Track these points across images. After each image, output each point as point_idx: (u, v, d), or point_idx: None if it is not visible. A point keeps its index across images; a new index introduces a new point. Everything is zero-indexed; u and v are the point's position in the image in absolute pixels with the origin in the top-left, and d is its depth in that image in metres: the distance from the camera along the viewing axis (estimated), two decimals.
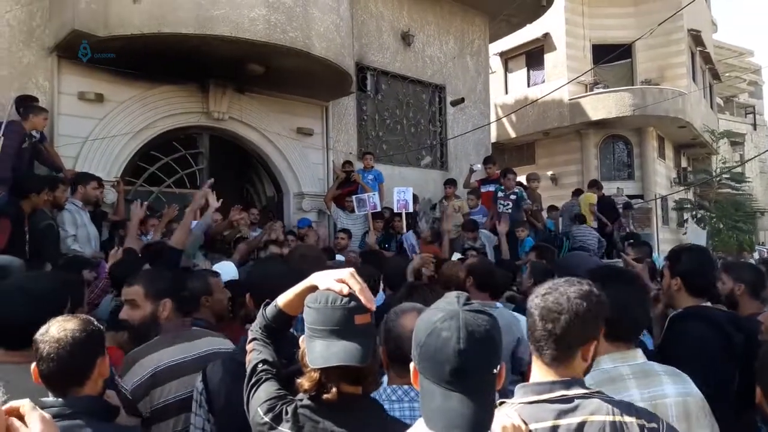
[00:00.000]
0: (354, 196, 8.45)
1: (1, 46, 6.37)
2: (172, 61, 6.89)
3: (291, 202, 8.95)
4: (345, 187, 8.85)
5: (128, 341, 2.93)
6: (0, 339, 2.04)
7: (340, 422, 1.52)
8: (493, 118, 13.42)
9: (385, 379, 2.00)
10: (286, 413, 1.55)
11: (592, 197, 10.56)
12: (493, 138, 14.16)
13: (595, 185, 11.16)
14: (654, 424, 1.49)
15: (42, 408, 1.61)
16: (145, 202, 5.58)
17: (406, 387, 1.89)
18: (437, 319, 1.30)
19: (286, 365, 1.74)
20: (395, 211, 8.17)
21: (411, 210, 8.24)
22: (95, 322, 1.83)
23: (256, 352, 1.70)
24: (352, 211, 8.57)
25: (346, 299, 1.51)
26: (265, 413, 1.56)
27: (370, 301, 1.55)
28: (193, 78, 7.56)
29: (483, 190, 9.53)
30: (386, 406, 1.80)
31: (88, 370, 1.76)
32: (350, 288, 1.54)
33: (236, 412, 1.96)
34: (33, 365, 1.70)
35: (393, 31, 10.25)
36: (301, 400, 1.57)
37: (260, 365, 1.67)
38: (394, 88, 10.37)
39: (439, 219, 9.37)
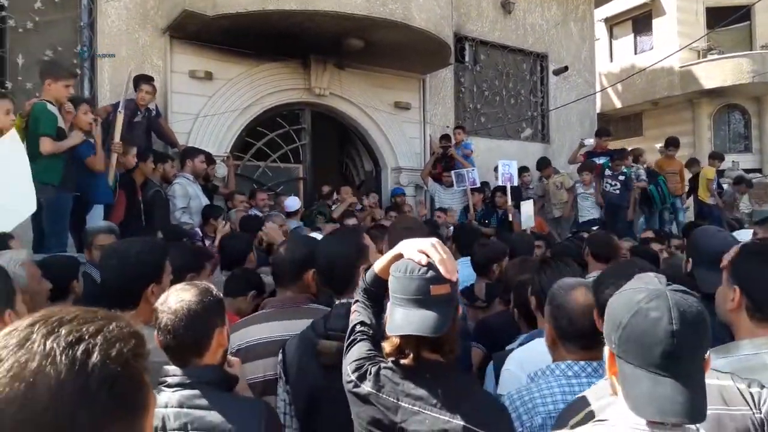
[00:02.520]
0: (453, 171, 8.35)
1: (119, 28, 6.74)
2: (276, 38, 7.03)
3: (389, 177, 8.99)
4: (441, 163, 8.76)
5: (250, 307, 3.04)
6: (108, 299, 2.12)
7: (419, 385, 1.55)
8: (597, 87, 12.80)
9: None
10: (370, 373, 1.60)
11: (710, 171, 9.75)
12: (598, 108, 13.54)
13: (715, 157, 10.30)
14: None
15: (164, 376, 1.68)
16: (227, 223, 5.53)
17: (582, 363, 1.88)
18: (641, 299, 1.21)
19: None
20: (499, 184, 7.97)
21: (516, 183, 8.01)
22: (214, 292, 1.81)
23: (356, 314, 1.76)
24: (450, 185, 8.49)
25: (424, 269, 1.54)
26: (353, 372, 1.63)
27: (451, 271, 1.56)
28: (296, 55, 7.70)
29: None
30: (563, 382, 1.84)
31: (205, 341, 1.74)
32: (430, 258, 1.56)
33: (305, 383, 2.02)
34: (155, 333, 1.72)
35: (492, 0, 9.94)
36: (386, 362, 1.62)
37: (357, 326, 1.72)
38: (493, 58, 10.09)
39: (541, 197, 9.12)
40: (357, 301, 1.79)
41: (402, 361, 1.59)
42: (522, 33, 10.30)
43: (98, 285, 2.37)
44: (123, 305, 2.00)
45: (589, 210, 8.59)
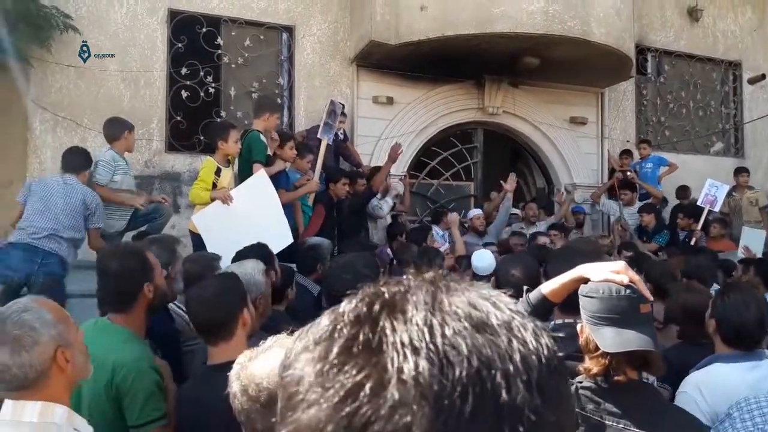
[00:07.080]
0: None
1: (314, 60, 7.45)
2: (452, 61, 7.29)
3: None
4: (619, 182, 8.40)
5: None
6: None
7: (620, 405, 1.57)
8: None
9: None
10: None
11: None
12: None
13: None
14: None
15: None
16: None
17: None
18: None
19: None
20: (698, 203, 7.42)
21: (717, 210, 7.39)
22: None
23: None
24: (629, 203, 8.13)
25: (629, 290, 1.59)
26: None
27: (647, 291, 1.63)
28: (470, 76, 7.90)
29: None
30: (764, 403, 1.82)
31: None
32: (631, 279, 1.61)
33: None
34: None
35: (678, 7, 9.37)
36: (580, 382, 1.63)
37: None
38: (679, 69, 9.50)
39: (727, 214, 8.37)
40: None
41: (615, 379, 1.60)
42: (711, 41, 9.59)
43: (314, 297, 2.71)
44: None
45: None
